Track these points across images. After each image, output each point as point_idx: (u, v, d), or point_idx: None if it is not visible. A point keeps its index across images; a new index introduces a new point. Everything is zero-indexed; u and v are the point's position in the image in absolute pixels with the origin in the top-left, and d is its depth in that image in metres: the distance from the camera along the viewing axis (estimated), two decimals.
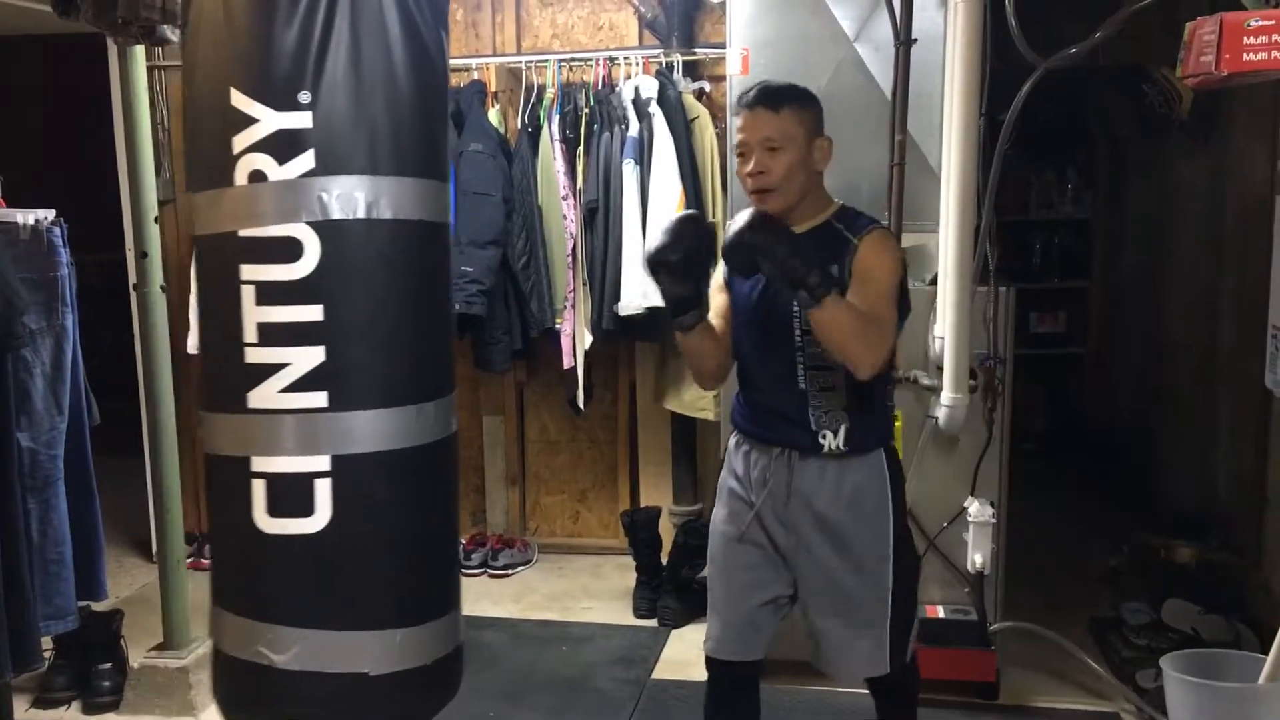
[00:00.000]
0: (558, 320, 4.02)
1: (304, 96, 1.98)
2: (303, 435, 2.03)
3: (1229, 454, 3.90)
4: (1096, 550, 4.17)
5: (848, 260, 2.21)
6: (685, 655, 3.59)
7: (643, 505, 4.31)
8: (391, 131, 2.06)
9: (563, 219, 3.97)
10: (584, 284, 3.96)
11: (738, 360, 2.40)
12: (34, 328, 2.88)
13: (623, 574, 4.17)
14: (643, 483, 4.42)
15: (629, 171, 3.81)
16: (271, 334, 2.02)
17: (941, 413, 3.01)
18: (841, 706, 3.17)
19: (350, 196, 2.01)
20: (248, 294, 2.01)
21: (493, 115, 4.10)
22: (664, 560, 3.98)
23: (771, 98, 2.24)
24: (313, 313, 2.01)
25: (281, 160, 1.99)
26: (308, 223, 2.00)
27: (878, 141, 3.08)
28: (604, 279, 3.88)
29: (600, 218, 3.88)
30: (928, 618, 3.14)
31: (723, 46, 3.44)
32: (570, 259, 3.98)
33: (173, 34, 2.84)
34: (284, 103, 1.98)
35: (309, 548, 2.05)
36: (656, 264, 2.21)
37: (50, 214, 2.97)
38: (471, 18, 4.34)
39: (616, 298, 3.84)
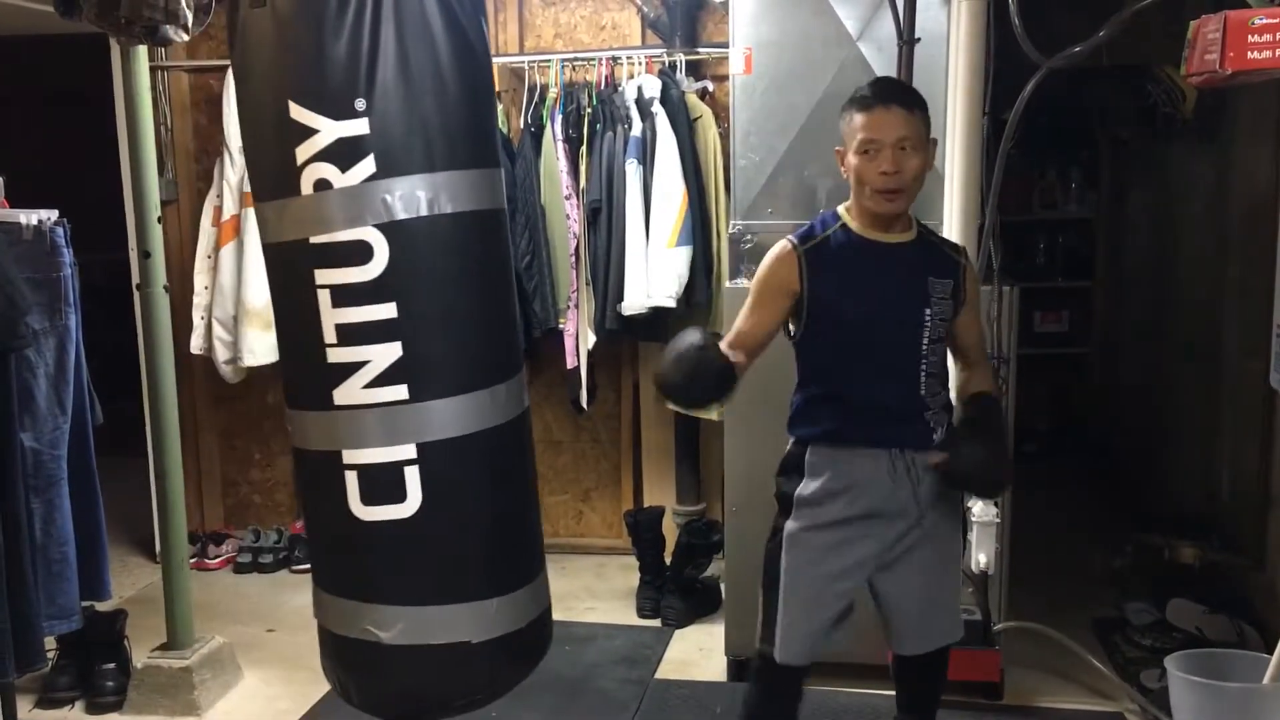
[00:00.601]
0: (561, 320, 4.02)
1: (359, 104, 2.05)
2: (388, 427, 2.14)
3: (1233, 453, 3.89)
4: (1100, 550, 4.16)
5: (961, 280, 2.35)
6: (689, 655, 3.59)
7: (646, 505, 4.31)
8: (443, 127, 2.13)
9: (566, 219, 3.97)
10: (587, 283, 3.95)
11: (825, 365, 2.36)
12: (37, 328, 2.88)
13: (626, 574, 4.17)
14: (646, 482, 4.42)
15: (632, 171, 3.81)
16: (350, 334, 2.11)
17: None
18: (842, 706, 3.17)
19: (412, 196, 2.09)
20: (324, 297, 2.10)
21: None
22: (667, 560, 3.97)
23: (908, 97, 2.29)
24: (387, 311, 2.10)
25: (344, 168, 2.06)
26: (374, 225, 2.08)
27: None
28: (607, 278, 3.88)
29: (603, 217, 3.87)
30: None
31: (726, 46, 3.44)
32: (573, 259, 3.97)
33: (175, 34, 2.84)
34: (341, 112, 2.05)
35: (404, 531, 2.17)
36: (669, 392, 2.31)
37: (53, 214, 2.97)
38: None
39: (620, 297, 3.84)
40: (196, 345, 4.24)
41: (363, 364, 2.11)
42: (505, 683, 2.37)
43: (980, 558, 3.01)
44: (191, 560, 3.88)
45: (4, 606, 2.73)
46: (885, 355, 2.31)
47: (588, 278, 3.95)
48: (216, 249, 4.18)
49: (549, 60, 4.05)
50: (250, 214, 4.00)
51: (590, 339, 3.98)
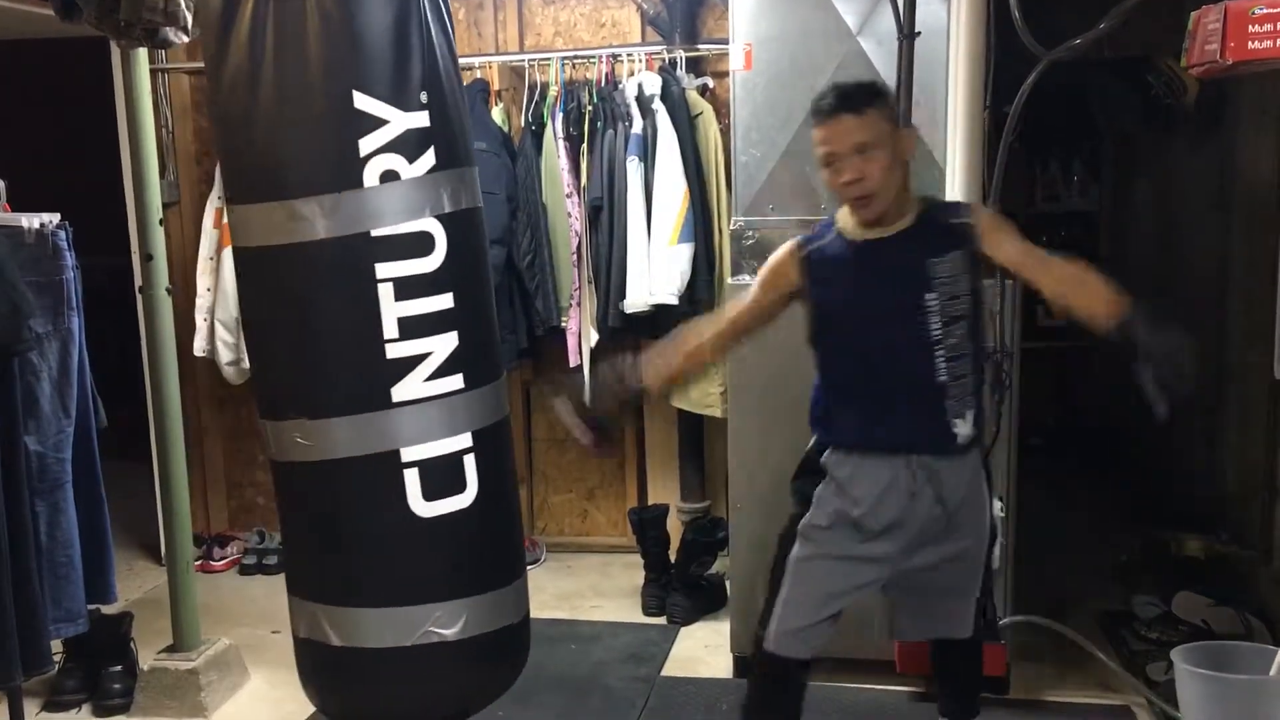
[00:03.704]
0: (563, 318, 4.02)
1: (423, 96, 2.12)
2: (448, 418, 2.20)
3: (1238, 446, 3.89)
4: (1106, 544, 4.16)
5: (973, 242, 2.29)
6: (694, 652, 3.59)
7: (651, 503, 4.31)
8: (463, 125, 2.26)
9: (567, 217, 3.97)
10: (589, 282, 3.95)
11: (836, 368, 2.39)
12: (40, 331, 2.89)
13: (631, 572, 4.16)
14: (650, 480, 4.42)
15: (633, 169, 3.81)
16: (412, 326, 2.15)
17: None
18: (850, 703, 3.17)
19: (458, 188, 2.19)
20: (385, 291, 2.12)
21: (496, 114, 4.09)
22: (672, 558, 3.97)
23: (853, 101, 2.25)
24: (446, 301, 2.18)
25: (411, 159, 2.12)
26: (434, 216, 2.15)
27: None
28: (609, 276, 3.88)
29: (605, 215, 3.87)
30: None
31: (726, 42, 3.44)
32: (575, 257, 3.97)
33: (175, 36, 2.85)
34: (409, 103, 2.12)
35: (465, 521, 2.24)
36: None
37: (55, 217, 2.98)
38: (474, 16, 4.33)
39: (622, 295, 3.84)
40: (199, 347, 4.24)
41: (424, 356, 2.16)
42: (519, 669, 2.42)
43: None
44: (197, 562, 3.88)
45: (10, 610, 2.74)
46: (899, 349, 2.31)
47: (590, 276, 3.95)
48: (218, 251, 4.18)
49: (549, 58, 4.05)
50: None
51: (593, 337, 3.98)
